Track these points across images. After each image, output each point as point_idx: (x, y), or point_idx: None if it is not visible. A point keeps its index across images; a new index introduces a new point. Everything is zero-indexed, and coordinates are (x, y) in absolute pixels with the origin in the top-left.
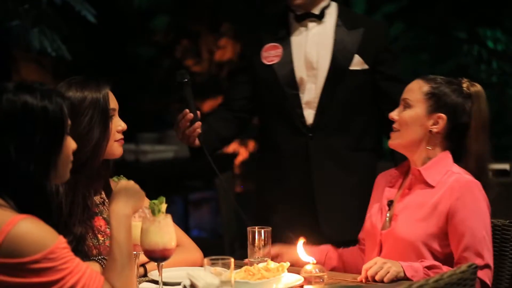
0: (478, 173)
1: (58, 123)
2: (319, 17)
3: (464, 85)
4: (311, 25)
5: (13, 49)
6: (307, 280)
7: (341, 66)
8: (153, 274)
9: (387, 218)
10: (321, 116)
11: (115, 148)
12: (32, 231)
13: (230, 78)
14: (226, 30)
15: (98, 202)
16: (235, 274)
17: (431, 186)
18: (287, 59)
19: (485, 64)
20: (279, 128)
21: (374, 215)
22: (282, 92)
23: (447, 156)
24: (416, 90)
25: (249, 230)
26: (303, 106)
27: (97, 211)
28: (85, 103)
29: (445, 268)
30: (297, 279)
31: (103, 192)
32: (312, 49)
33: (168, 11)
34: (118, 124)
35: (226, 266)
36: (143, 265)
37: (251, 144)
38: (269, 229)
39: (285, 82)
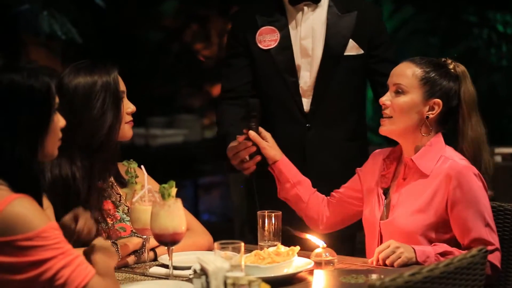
0: (475, 156)
1: (45, 102)
2: (316, 1)
3: (451, 66)
4: (306, 9)
5: (22, 33)
6: (317, 264)
7: (335, 52)
8: (163, 258)
9: (384, 208)
10: (317, 105)
11: (126, 130)
12: (26, 210)
13: (227, 63)
14: None
15: (106, 186)
16: (245, 258)
17: (426, 175)
18: (285, 44)
19: (495, 47)
20: (276, 116)
21: (370, 204)
22: (282, 79)
23: (439, 140)
24: (410, 76)
25: (259, 215)
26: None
27: (105, 195)
28: (96, 87)
29: (457, 253)
30: (307, 263)
31: (111, 176)
32: (307, 35)
33: None
34: (127, 106)
35: (236, 250)
36: (153, 249)
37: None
38: (279, 213)
39: (284, 69)
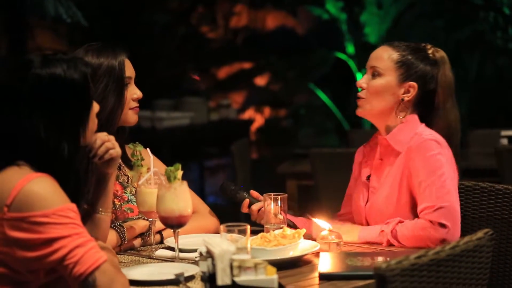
0: (448, 141)
1: (86, 93)
2: None
3: (430, 51)
4: None
5: (28, 17)
6: (324, 247)
7: None
8: (169, 241)
9: (368, 193)
10: None
11: (130, 116)
12: (46, 188)
13: None
14: None
15: None
16: (251, 241)
17: (399, 153)
18: None
19: (501, 30)
20: None
21: (356, 193)
22: None
23: (413, 119)
24: (386, 58)
25: (265, 197)
26: None
27: None
28: (100, 70)
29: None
30: (313, 245)
31: None
32: None
33: None
34: (133, 92)
35: (242, 233)
36: (159, 232)
37: (267, 111)
38: (285, 195)
39: None
